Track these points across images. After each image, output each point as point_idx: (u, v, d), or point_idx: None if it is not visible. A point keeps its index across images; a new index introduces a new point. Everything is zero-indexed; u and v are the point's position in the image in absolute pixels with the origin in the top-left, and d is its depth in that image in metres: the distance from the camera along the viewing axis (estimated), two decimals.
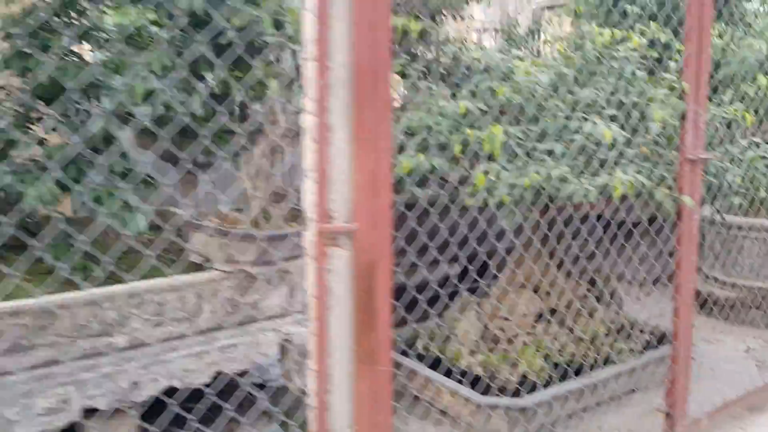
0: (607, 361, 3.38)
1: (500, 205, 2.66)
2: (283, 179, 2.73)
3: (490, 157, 2.75)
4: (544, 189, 2.58)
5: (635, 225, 2.94)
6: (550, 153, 2.68)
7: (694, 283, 2.89)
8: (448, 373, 3.22)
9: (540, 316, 3.48)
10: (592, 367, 3.27)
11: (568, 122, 2.74)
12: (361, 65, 1.76)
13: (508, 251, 3.30)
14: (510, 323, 3.45)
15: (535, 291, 3.58)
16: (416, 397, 3.28)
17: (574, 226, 2.85)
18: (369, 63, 1.77)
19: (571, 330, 3.45)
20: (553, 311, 3.53)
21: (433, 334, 3.42)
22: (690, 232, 2.87)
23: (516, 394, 3.03)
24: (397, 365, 3.39)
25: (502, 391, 3.07)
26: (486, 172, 2.73)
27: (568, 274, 3.61)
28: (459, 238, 2.34)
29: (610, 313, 3.68)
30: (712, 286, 4.94)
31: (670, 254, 2.83)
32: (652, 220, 3.00)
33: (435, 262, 3.62)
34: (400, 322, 2.23)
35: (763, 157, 3.16)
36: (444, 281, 3.76)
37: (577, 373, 3.25)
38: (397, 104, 4.41)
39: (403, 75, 4.16)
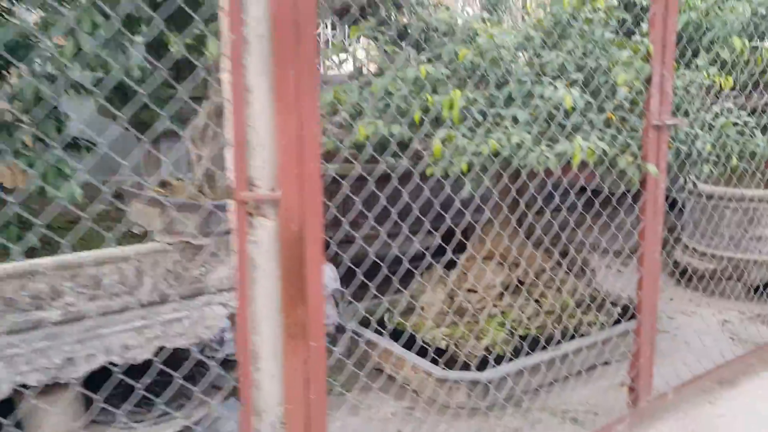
0: (565, 334, 3.28)
1: (452, 173, 2.54)
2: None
3: (441, 123, 2.62)
4: (497, 156, 2.46)
5: (595, 193, 2.82)
6: (502, 118, 2.55)
7: (658, 253, 2.78)
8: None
9: (496, 287, 3.38)
10: (548, 341, 3.18)
11: (524, 85, 2.60)
12: (280, 19, 1.61)
13: (456, 224, 3.20)
14: (465, 294, 3.36)
15: (493, 260, 3.47)
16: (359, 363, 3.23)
17: (544, 194, 2.74)
18: (290, 16, 1.62)
19: (528, 299, 3.35)
20: (508, 284, 3.42)
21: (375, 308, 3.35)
22: (655, 201, 2.75)
23: (465, 366, 2.96)
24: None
25: (450, 364, 2.99)
26: (444, 140, 2.60)
27: (537, 245, 3.50)
28: (401, 207, 2.22)
29: (570, 284, 3.57)
30: (689, 255, 4.84)
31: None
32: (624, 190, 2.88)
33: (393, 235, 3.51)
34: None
35: (736, 124, 3.03)
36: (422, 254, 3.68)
37: (534, 347, 3.16)
38: (365, 70, 4.25)
39: (375, 39, 4.00)
